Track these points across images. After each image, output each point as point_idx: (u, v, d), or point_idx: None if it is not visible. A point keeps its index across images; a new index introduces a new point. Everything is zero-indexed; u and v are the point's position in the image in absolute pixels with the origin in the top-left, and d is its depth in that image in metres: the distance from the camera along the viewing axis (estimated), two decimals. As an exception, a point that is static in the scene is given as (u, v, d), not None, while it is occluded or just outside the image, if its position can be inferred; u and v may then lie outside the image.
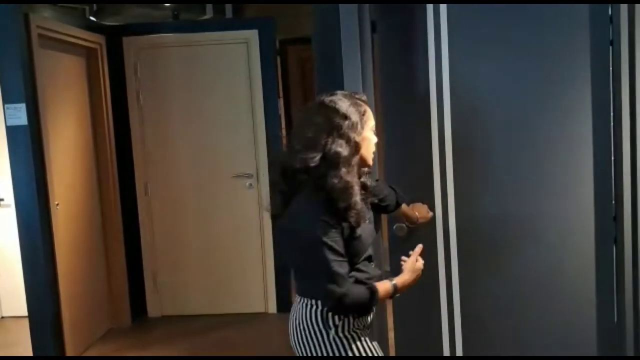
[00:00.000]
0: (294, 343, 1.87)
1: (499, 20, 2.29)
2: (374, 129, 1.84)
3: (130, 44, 4.21)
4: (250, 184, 4.28)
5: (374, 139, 1.84)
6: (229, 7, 4.51)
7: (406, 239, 2.32)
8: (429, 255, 2.36)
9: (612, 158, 2.25)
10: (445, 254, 2.40)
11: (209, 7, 4.43)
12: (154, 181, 4.31)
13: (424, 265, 1.92)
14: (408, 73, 2.38)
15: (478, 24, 2.30)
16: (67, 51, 3.78)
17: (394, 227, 2.35)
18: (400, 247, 2.33)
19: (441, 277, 2.41)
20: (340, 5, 2.50)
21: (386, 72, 2.41)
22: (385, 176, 2.42)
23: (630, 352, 2.30)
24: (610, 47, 2.21)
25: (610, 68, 2.21)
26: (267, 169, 4.23)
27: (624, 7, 2.16)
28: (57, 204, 3.50)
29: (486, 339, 2.41)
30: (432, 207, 2.35)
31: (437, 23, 2.31)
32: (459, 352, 2.44)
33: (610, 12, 2.20)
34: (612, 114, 2.24)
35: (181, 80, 4.26)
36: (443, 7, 2.29)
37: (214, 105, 4.26)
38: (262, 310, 4.38)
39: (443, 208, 2.36)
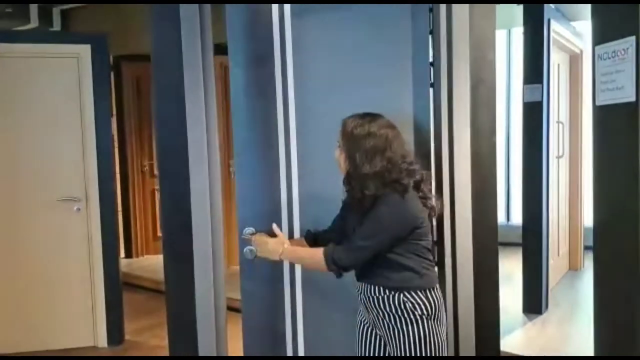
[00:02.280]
0: None
1: (337, 20, 2.37)
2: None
3: None
4: (79, 208, 3.98)
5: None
6: (57, 19, 4.20)
7: (256, 261, 2.35)
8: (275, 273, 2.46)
9: (433, 170, 2.38)
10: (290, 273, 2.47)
11: (34, 17, 4.09)
12: (-36, 205, 3.83)
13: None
14: (257, 84, 2.40)
15: (318, 27, 2.38)
16: None
17: (244, 249, 2.36)
18: (251, 268, 2.42)
19: (286, 290, 2.48)
20: (181, 25, 2.46)
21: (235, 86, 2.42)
22: (238, 192, 2.43)
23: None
24: (431, 67, 2.39)
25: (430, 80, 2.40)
26: (98, 192, 3.99)
27: (443, 30, 2.35)
28: None
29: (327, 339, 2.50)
30: (279, 220, 2.41)
31: (282, 25, 2.36)
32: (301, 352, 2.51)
33: (430, 39, 2.39)
34: (432, 125, 2.40)
35: (-4, 95, 3.86)
36: (287, 7, 2.35)
37: (37, 123, 3.91)
38: (90, 344, 4.05)
39: (289, 223, 2.42)
